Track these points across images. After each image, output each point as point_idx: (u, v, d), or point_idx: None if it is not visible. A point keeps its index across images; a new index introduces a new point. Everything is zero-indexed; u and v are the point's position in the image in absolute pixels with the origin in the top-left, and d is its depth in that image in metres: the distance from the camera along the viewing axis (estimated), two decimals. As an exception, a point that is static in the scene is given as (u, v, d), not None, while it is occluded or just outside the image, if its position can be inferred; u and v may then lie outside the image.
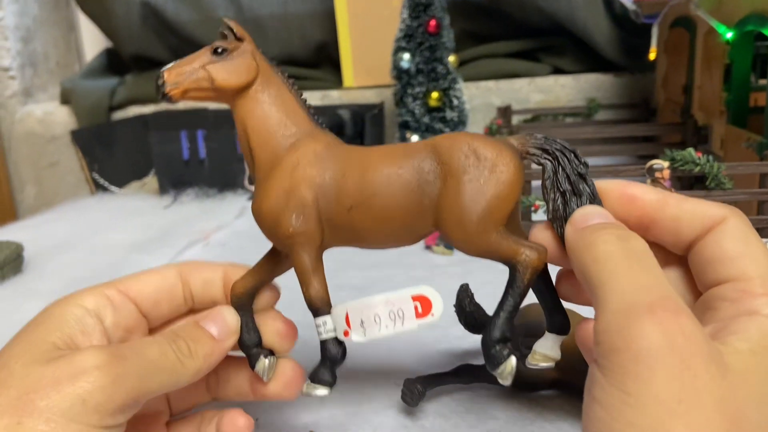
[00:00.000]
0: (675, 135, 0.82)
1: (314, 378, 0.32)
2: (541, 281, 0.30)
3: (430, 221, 0.30)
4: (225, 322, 0.32)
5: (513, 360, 0.29)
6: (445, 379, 0.38)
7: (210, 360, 0.31)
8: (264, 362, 0.33)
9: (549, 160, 0.29)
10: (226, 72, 0.30)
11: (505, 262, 0.29)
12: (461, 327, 0.41)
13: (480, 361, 0.40)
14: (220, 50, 0.30)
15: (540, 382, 0.38)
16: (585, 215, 0.27)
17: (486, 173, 0.28)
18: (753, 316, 0.23)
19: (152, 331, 0.34)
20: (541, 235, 0.30)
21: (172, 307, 0.34)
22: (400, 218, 0.30)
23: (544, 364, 0.30)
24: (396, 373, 0.41)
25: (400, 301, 0.30)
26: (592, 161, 0.87)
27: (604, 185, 0.29)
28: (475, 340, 0.45)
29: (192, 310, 0.35)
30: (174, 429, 0.34)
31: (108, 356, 0.27)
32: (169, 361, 0.29)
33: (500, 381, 0.29)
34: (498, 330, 0.28)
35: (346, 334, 0.31)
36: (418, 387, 0.37)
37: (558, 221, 0.29)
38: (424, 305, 0.30)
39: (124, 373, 0.26)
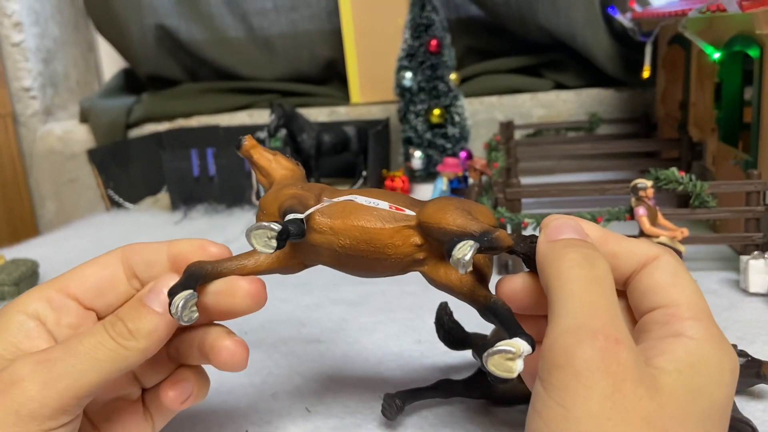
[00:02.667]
0: (673, 150, 0.84)
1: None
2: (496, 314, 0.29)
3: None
4: (166, 292, 0.30)
5: (473, 243, 0.27)
6: (424, 394, 0.40)
7: (156, 336, 0.30)
8: (180, 297, 0.30)
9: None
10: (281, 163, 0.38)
11: (463, 234, 0.29)
12: (444, 343, 0.43)
13: (459, 376, 0.42)
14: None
15: (516, 397, 0.40)
16: (557, 228, 0.28)
17: None
18: (679, 338, 0.25)
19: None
20: (507, 285, 0.30)
21: (119, 294, 0.33)
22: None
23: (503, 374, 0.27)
24: (380, 387, 0.43)
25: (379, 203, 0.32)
26: (592, 176, 0.89)
27: (561, 221, 0.29)
28: (459, 355, 0.47)
29: None
30: (147, 397, 0.35)
31: (34, 364, 0.28)
32: (107, 350, 0.29)
33: (458, 265, 0.27)
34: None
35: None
36: (397, 402, 0.39)
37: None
38: (399, 209, 0.31)
39: (54, 377, 0.27)
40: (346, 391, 0.44)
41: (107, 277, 0.33)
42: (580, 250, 0.27)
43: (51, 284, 0.32)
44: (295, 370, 0.47)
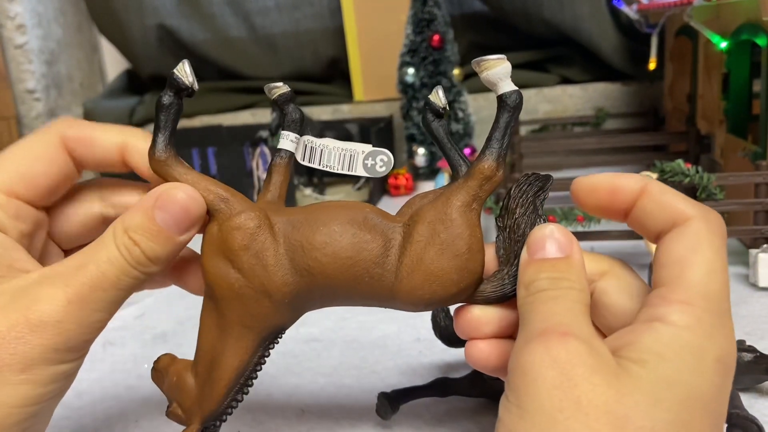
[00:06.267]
0: (681, 144, 0.82)
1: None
2: None
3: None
4: (188, 215, 0.28)
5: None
6: (420, 393, 0.39)
7: (175, 255, 0.29)
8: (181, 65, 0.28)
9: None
10: None
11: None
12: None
13: (458, 375, 0.41)
14: None
15: (515, 395, 0.39)
16: (541, 247, 0.27)
17: None
18: (653, 324, 0.23)
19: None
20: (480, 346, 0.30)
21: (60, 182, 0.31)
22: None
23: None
24: (378, 386, 0.42)
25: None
26: (599, 171, 0.88)
27: (594, 180, 0.28)
28: (458, 353, 0.46)
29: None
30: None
31: (66, 304, 0.27)
32: (130, 279, 0.28)
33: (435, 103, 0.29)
34: None
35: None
36: (392, 401, 0.38)
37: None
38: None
39: (87, 315, 0.27)
40: (343, 391, 0.43)
41: (52, 171, 0.30)
42: (548, 274, 0.26)
43: None
44: (292, 369, 0.46)
